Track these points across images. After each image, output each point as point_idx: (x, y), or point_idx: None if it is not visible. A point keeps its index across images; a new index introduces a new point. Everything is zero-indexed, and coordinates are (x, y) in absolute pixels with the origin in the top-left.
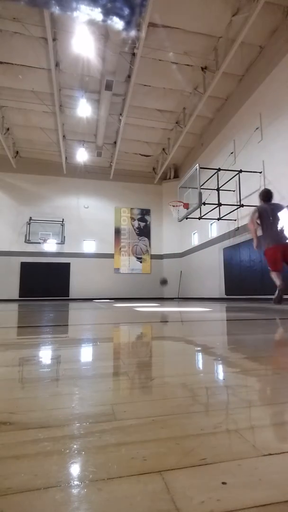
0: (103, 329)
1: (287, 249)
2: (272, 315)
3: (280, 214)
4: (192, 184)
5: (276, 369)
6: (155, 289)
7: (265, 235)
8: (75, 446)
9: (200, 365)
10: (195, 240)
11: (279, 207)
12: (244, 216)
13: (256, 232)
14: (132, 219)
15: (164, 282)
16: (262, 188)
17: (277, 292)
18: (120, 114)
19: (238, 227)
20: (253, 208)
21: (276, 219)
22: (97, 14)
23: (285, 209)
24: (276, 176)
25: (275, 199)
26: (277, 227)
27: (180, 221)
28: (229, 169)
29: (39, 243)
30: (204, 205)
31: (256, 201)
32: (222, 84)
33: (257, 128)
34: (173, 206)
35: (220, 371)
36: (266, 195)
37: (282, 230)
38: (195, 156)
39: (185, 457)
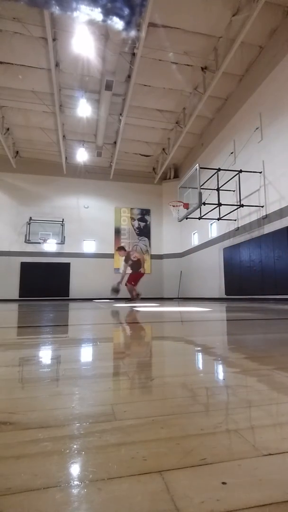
0: (103, 329)
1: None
2: (272, 315)
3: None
4: (192, 184)
5: (276, 369)
6: (155, 289)
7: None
8: (75, 446)
9: (200, 365)
10: (195, 240)
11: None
12: (244, 216)
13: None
14: (132, 219)
15: (115, 290)
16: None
17: (136, 296)
18: (120, 114)
19: (238, 227)
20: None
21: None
22: (97, 14)
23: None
24: (276, 176)
25: (275, 199)
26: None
27: (180, 221)
28: (229, 169)
29: (39, 243)
30: (204, 205)
31: (256, 201)
32: (222, 84)
33: (257, 128)
34: (173, 206)
35: (220, 371)
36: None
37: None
38: (195, 156)
39: (185, 457)
